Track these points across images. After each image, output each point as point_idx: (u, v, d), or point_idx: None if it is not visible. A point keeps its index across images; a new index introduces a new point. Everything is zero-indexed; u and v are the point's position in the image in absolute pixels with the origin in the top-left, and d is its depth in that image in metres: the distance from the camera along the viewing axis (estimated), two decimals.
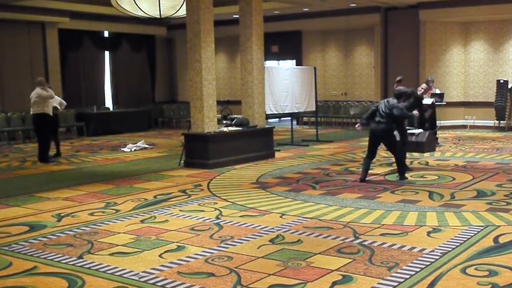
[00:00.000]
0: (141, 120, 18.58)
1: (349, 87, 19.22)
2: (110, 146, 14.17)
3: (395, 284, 4.24)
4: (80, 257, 5.09)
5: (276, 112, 12.99)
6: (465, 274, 4.41)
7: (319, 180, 8.87)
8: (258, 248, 5.25)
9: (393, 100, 8.50)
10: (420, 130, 12.05)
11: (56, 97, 12.33)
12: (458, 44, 17.03)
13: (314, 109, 14.43)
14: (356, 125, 9.31)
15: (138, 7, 12.47)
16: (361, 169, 8.88)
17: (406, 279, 4.33)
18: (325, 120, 18.84)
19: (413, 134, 11.89)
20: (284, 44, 20.00)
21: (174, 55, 22.34)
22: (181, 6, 12.19)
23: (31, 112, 11.52)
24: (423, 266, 4.61)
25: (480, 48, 16.84)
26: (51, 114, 11.64)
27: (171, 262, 4.87)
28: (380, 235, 5.59)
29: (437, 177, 8.85)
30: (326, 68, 19.53)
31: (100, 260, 4.99)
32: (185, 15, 10.69)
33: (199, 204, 7.23)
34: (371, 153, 8.74)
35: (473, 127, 16.78)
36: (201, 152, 10.30)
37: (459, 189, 7.90)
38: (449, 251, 5.02)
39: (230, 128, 11.02)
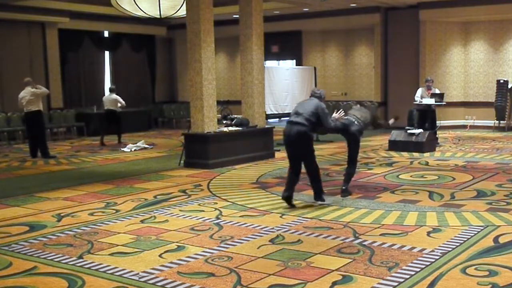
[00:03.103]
0: (141, 120, 18.58)
1: (349, 87, 19.22)
2: (110, 146, 14.17)
3: (395, 284, 4.24)
4: (80, 257, 5.09)
5: (276, 112, 13.02)
6: (465, 274, 4.41)
7: None
8: (258, 248, 5.25)
9: (314, 99, 7.01)
10: (420, 130, 12.06)
11: (118, 97, 14.42)
12: (458, 44, 17.03)
13: None
14: None
15: (138, 7, 12.48)
16: (360, 170, 8.76)
17: (406, 279, 4.33)
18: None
19: (413, 134, 11.91)
20: (284, 44, 19.99)
21: (174, 55, 22.34)
22: (181, 6, 12.19)
23: (25, 111, 11.91)
24: (423, 266, 4.61)
25: (480, 48, 16.84)
26: (42, 110, 12.22)
27: (171, 262, 4.87)
28: (380, 235, 5.59)
29: (437, 177, 8.85)
30: (326, 68, 19.53)
31: (100, 260, 4.99)
32: (185, 15, 10.69)
33: (199, 204, 7.23)
34: (293, 166, 7.02)
35: (473, 127, 16.77)
36: (201, 152, 10.30)
37: (459, 189, 7.90)
38: (449, 251, 5.01)
39: (230, 128, 11.01)
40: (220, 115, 12.49)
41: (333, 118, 7.23)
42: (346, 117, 7.58)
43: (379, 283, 4.26)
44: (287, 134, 6.89)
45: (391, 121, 8.85)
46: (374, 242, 5.34)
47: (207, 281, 4.40)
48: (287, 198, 6.94)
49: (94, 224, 6.31)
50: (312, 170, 7.03)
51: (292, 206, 6.92)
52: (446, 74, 17.02)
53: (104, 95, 19.77)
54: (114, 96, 14.57)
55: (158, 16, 12.96)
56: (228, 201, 7.37)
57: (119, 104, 14.53)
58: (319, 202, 7.08)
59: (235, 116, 12.08)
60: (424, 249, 5.07)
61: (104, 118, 14.86)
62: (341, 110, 7.55)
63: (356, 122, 7.58)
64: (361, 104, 8.51)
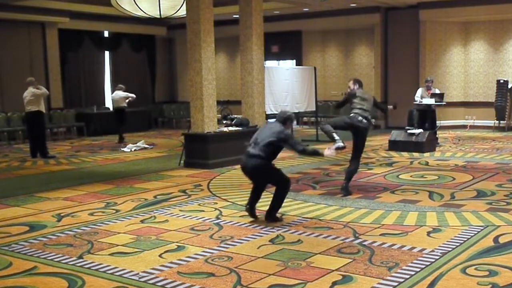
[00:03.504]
0: (141, 120, 18.59)
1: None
2: (110, 146, 14.17)
3: (395, 284, 4.24)
4: (80, 257, 5.09)
5: (276, 112, 12.97)
6: (465, 274, 4.41)
7: (319, 180, 8.87)
8: (258, 248, 5.25)
9: (276, 125, 6.28)
10: (420, 130, 12.06)
11: (122, 93, 14.98)
12: (458, 44, 17.03)
13: (314, 109, 14.43)
14: None
15: (138, 7, 12.47)
16: (360, 170, 8.66)
17: (406, 279, 4.33)
18: (325, 120, 18.84)
19: (413, 134, 11.91)
20: (284, 44, 19.98)
21: (174, 55, 22.34)
22: (181, 6, 12.19)
23: (26, 111, 12.00)
24: (423, 266, 4.61)
25: (480, 48, 16.84)
26: (44, 111, 12.30)
27: (171, 262, 4.87)
28: (380, 235, 5.59)
29: (437, 177, 8.85)
30: (326, 68, 19.52)
31: (100, 260, 4.99)
32: (185, 15, 10.69)
33: (199, 204, 7.23)
34: (254, 193, 6.40)
35: (473, 127, 16.76)
36: (201, 152, 10.30)
37: (459, 189, 7.90)
38: (449, 251, 5.01)
39: (230, 128, 11.01)
40: (220, 115, 12.49)
41: (326, 155, 6.57)
42: (351, 115, 7.58)
43: (379, 283, 4.26)
44: (243, 167, 6.26)
45: (390, 107, 9.10)
46: (374, 242, 5.34)
47: (207, 281, 4.40)
48: (250, 210, 6.32)
49: (94, 224, 6.31)
50: (282, 184, 6.26)
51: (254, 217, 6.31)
52: (446, 74, 17.01)
53: (104, 95, 19.90)
54: (121, 93, 14.99)
55: (158, 16, 12.95)
56: (228, 201, 7.37)
57: (127, 100, 15.00)
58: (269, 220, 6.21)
59: (235, 116, 12.07)
60: (424, 249, 5.07)
61: (115, 117, 15.37)
62: (333, 148, 6.79)
63: (364, 120, 7.51)
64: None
